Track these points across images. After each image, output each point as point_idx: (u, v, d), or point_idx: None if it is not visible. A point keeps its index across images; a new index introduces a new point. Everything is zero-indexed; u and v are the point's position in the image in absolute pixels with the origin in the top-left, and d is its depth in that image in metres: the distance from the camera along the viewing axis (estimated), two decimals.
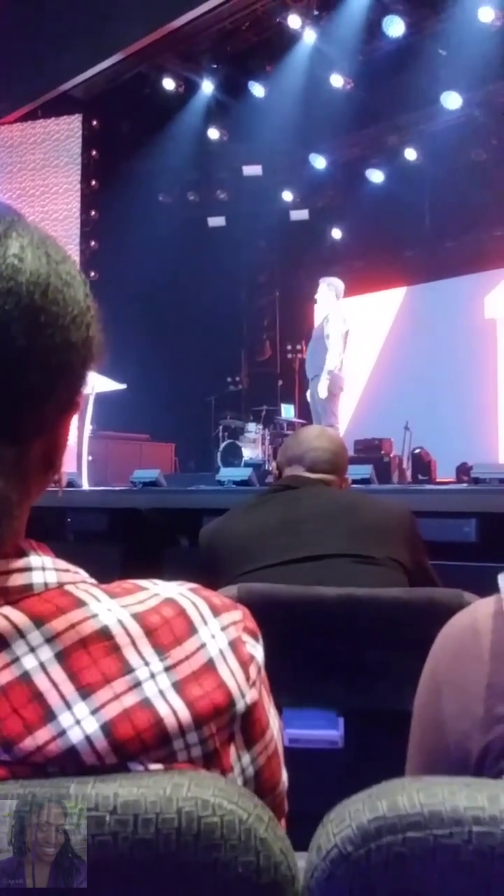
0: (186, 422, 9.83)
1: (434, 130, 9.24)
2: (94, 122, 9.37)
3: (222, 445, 8.48)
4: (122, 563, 4.75)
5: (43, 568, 0.58)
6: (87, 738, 0.54)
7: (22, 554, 0.59)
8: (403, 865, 0.51)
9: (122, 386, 6.23)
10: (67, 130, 9.23)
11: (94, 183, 9.36)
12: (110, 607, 0.58)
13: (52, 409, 0.61)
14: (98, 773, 0.54)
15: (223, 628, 0.62)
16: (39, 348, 0.57)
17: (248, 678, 0.61)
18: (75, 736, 0.54)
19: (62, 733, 0.54)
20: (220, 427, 8.98)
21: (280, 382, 10.27)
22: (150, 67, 9.13)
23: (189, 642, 0.59)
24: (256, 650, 0.64)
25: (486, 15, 7.59)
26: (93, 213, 9.35)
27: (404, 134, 9.56)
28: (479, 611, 0.67)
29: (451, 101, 8.57)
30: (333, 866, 0.53)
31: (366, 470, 4.73)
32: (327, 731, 1.43)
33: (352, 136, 9.71)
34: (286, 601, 1.45)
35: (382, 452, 7.85)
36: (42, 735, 0.53)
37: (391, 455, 7.93)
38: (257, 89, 9.24)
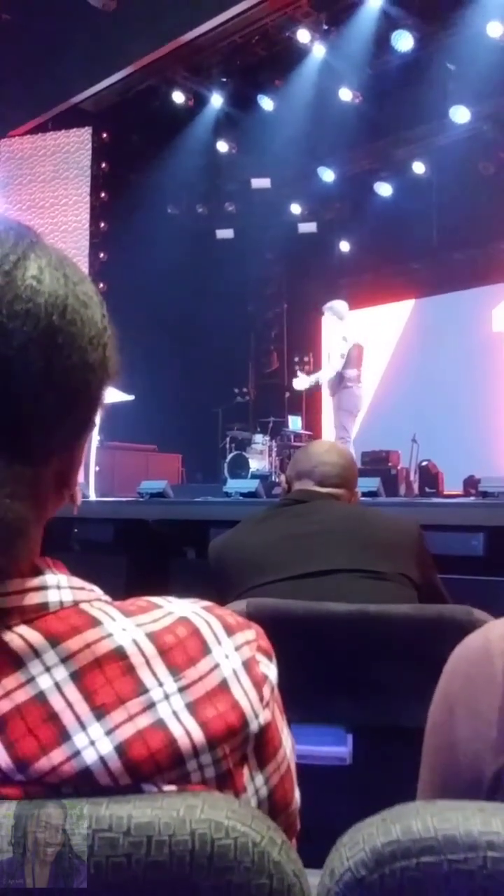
0: (193, 433, 9.84)
1: (442, 144, 9.27)
2: (104, 135, 9.43)
3: (229, 457, 8.48)
4: (127, 574, 4.75)
5: (58, 586, 0.59)
6: (102, 759, 0.54)
7: (38, 572, 0.59)
8: (417, 890, 0.51)
9: (130, 397, 6.25)
10: (77, 143, 9.29)
11: (103, 195, 9.41)
12: (125, 626, 0.58)
13: (68, 429, 0.61)
14: (112, 793, 0.54)
15: (237, 648, 0.62)
16: (57, 369, 0.58)
17: (261, 698, 0.61)
18: (90, 757, 0.54)
19: (77, 754, 0.54)
20: (228, 438, 8.98)
21: (287, 394, 10.27)
22: (160, 80, 9.20)
23: (203, 662, 0.59)
24: (270, 670, 0.64)
25: (495, 30, 7.62)
26: (102, 224, 9.40)
27: (412, 147, 9.59)
28: (492, 632, 0.67)
29: (460, 114, 8.60)
30: (347, 890, 0.52)
31: (373, 483, 4.73)
32: (336, 748, 1.43)
33: (360, 149, 9.75)
34: (295, 616, 1.45)
35: (390, 465, 7.84)
36: (56, 756, 0.53)
37: (398, 467, 7.91)
38: (266, 103, 9.29)
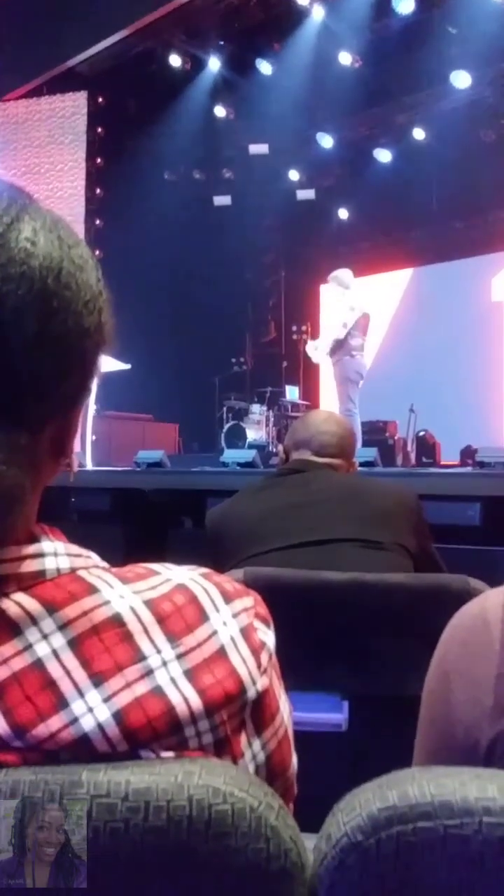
0: (190, 402, 9.83)
1: (443, 110, 9.14)
2: (100, 99, 9.29)
3: (226, 426, 8.48)
4: (125, 544, 4.77)
5: (55, 553, 0.58)
6: (100, 726, 0.54)
7: (34, 539, 0.58)
8: (413, 855, 0.51)
9: (127, 366, 6.23)
10: (73, 107, 9.15)
11: (99, 160, 9.29)
12: (123, 594, 0.58)
13: (64, 395, 0.60)
14: (110, 760, 0.54)
15: (235, 615, 0.62)
16: (52, 334, 0.57)
17: (259, 665, 0.61)
18: (87, 724, 0.54)
19: (74, 721, 0.54)
20: (225, 408, 8.97)
21: (285, 364, 10.25)
22: (157, 44, 9.04)
23: (201, 630, 0.59)
24: (268, 636, 0.64)
25: None
26: (98, 190, 9.30)
27: (412, 113, 9.46)
28: (489, 600, 0.67)
29: (461, 80, 8.48)
30: (343, 854, 0.53)
31: (371, 452, 4.74)
32: (332, 715, 1.44)
33: (359, 115, 9.62)
34: (292, 585, 1.46)
35: (387, 435, 7.85)
36: (54, 722, 0.53)
37: (396, 437, 7.92)
38: (265, 67, 9.15)
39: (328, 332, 6.66)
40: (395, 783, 0.54)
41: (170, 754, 0.56)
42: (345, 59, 8.69)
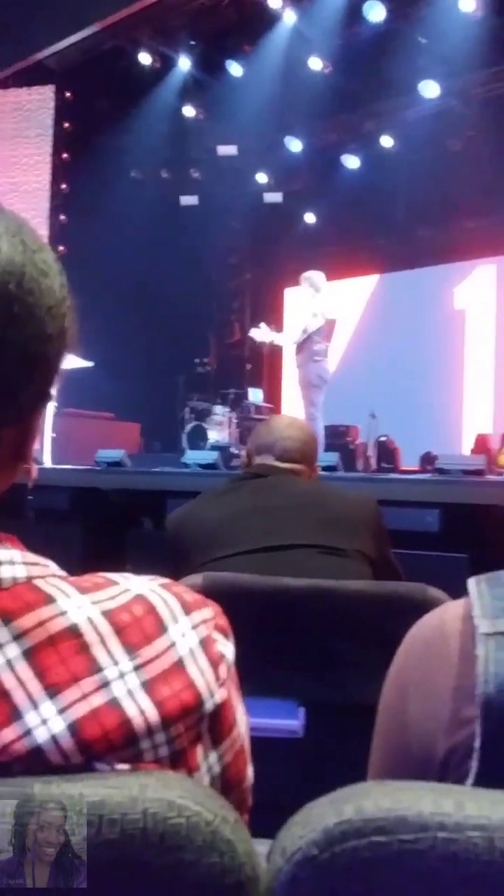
0: (153, 402, 9.77)
1: (411, 119, 9.22)
2: (68, 94, 9.20)
3: (188, 427, 8.45)
4: (83, 543, 4.73)
5: (11, 562, 0.57)
6: (54, 738, 0.53)
7: None
8: (368, 870, 0.51)
9: (89, 364, 6.18)
10: (40, 101, 9.06)
11: (65, 156, 9.20)
12: (80, 604, 0.57)
13: (24, 400, 0.59)
14: (64, 772, 0.53)
15: (194, 626, 0.61)
16: (13, 339, 0.56)
17: (217, 677, 0.61)
18: (41, 735, 0.53)
19: (28, 733, 0.53)
20: (187, 408, 8.93)
21: (248, 366, 10.25)
22: (127, 41, 8.99)
23: (159, 641, 0.59)
24: (227, 648, 0.64)
25: (467, 4, 7.58)
26: (63, 186, 9.21)
27: (381, 121, 9.53)
28: (448, 612, 0.67)
29: (429, 89, 8.56)
30: (297, 869, 0.53)
31: (332, 457, 4.76)
32: (288, 721, 1.44)
33: (328, 120, 9.66)
34: (251, 591, 1.46)
35: (348, 439, 7.89)
36: (7, 734, 0.53)
37: (357, 442, 7.97)
38: (235, 68, 9.14)
39: (288, 333, 6.69)
40: (350, 797, 0.54)
41: (125, 767, 0.55)
42: (315, 64, 8.72)
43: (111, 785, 0.53)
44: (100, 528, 4.84)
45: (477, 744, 0.57)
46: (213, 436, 8.25)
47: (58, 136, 9.09)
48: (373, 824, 0.52)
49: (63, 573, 0.61)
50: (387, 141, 9.55)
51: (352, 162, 9.99)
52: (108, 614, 0.58)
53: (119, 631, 0.57)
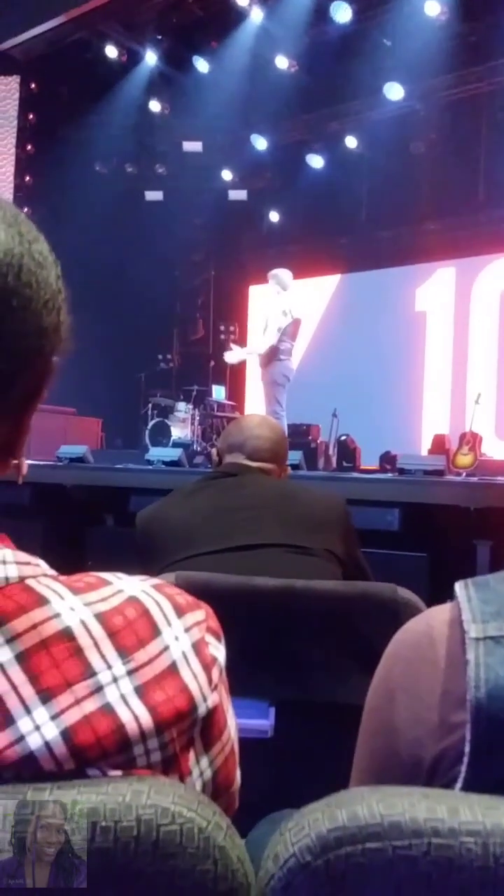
0: (115, 397, 9.70)
1: (375, 120, 9.27)
2: (33, 85, 9.09)
3: (151, 423, 8.40)
4: (43, 540, 4.67)
5: (3, 561, 0.56)
6: (47, 745, 0.52)
7: None
8: (362, 876, 0.51)
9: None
10: (4, 91, 8.93)
11: (29, 148, 9.09)
12: (73, 605, 0.57)
13: (17, 396, 0.58)
14: (56, 778, 0.52)
15: (187, 629, 0.61)
16: (10, 333, 0.55)
17: (210, 681, 0.61)
18: (34, 742, 0.52)
19: (20, 739, 0.52)
20: (150, 405, 8.88)
21: (212, 363, 10.22)
22: (93, 34, 8.89)
23: (152, 645, 0.58)
24: (219, 651, 0.63)
25: (432, 9, 7.65)
26: (27, 178, 9.10)
27: (346, 121, 9.57)
28: (434, 618, 0.67)
29: (394, 92, 8.62)
30: (291, 875, 0.53)
31: (296, 456, 4.77)
32: (258, 721, 1.44)
33: (294, 119, 9.68)
34: (222, 590, 1.45)
35: (310, 438, 7.91)
36: (0, 740, 0.52)
37: (318, 441, 8.00)
38: (201, 64, 9.11)
39: (261, 336, 6.65)
40: (344, 803, 0.54)
41: (117, 773, 0.54)
42: (281, 62, 8.72)
43: (104, 792, 0.52)
44: (60, 523, 4.79)
45: (466, 749, 0.57)
46: (176, 432, 8.22)
47: (22, 127, 8.98)
48: (367, 830, 0.52)
49: (54, 572, 0.59)
50: (351, 142, 9.60)
51: (316, 161, 10.02)
52: (101, 617, 0.57)
53: (112, 634, 0.57)
